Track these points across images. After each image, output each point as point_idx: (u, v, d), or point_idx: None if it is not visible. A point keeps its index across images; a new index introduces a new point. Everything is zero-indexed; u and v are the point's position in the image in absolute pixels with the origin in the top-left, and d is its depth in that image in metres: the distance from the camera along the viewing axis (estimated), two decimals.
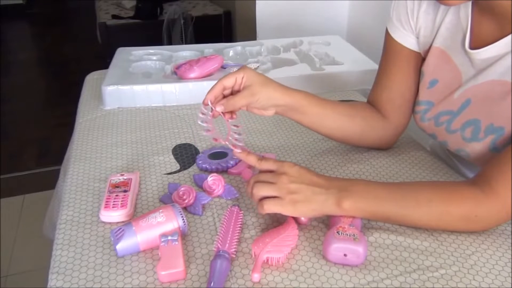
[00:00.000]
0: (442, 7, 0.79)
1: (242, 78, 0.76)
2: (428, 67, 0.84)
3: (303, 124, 0.87)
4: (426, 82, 0.84)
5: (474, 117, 0.77)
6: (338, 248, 0.64)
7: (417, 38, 0.84)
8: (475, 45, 0.75)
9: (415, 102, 0.88)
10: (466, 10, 0.75)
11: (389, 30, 0.87)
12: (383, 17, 2.06)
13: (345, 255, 0.64)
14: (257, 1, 2.21)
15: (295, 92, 0.81)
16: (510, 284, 0.63)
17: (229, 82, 0.76)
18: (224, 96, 0.78)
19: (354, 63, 1.29)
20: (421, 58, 0.86)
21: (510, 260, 0.67)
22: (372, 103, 0.92)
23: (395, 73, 0.87)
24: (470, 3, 0.75)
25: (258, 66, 1.24)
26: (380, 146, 0.94)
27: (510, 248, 0.69)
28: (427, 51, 0.84)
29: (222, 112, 0.77)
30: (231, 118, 0.78)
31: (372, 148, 0.94)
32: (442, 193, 0.68)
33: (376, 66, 1.24)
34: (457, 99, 0.79)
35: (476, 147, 0.77)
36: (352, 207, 0.67)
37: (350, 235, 0.64)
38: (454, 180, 0.85)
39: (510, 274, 0.64)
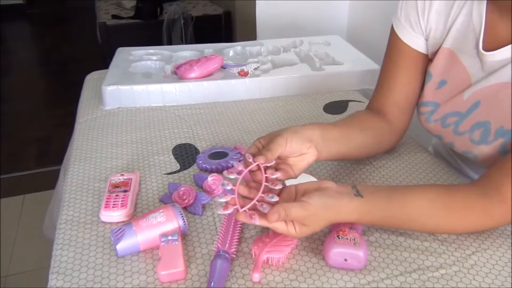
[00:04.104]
0: (455, 7, 0.78)
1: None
2: (437, 68, 0.82)
3: (338, 154, 0.80)
4: (435, 83, 0.83)
5: (483, 119, 0.76)
6: (338, 253, 0.63)
7: (427, 39, 0.83)
8: (487, 47, 0.74)
9: (419, 103, 0.87)
10: (480, 12, 0.74)
11: (397, 31, 0.85)
12: (383, 17, 2.07)
13: (345, 259, 0.64)
14: (257, 1, 2.21)
15: (311, 124, 0.77)
16: (510, 284, 0.63)
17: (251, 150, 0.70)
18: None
19: (354, 63, 1.29)
20: (427, 60, 0.85)
21: (510, 260, 0.67)
22: (376, 108, 0.89)
23: (402, 75, 0.86)
24: (484, 4, 0.74)
25: (258, 66, 1.24)
26: (385, 151, 0.93)
27: (510, 248, 0.69)
28: (436, 52, 0.82)
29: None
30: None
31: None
32: (452, 208, 0.67)
33: (376, 66, 1.25)
34: (466, 100, 0.78)
35: (485, 150, 0.77)
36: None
37: (350, 239, 0.64)
38: (461, 185, 0.78)
39: (510, 274, 0.64)
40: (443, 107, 0.82)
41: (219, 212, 0.63)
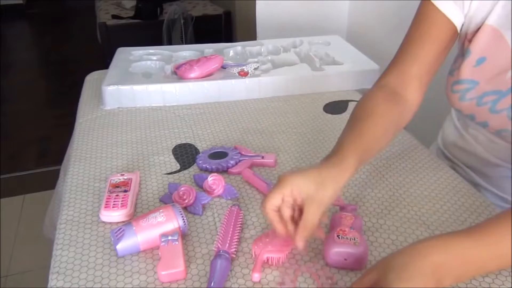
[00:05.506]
0: None
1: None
2: (477, 45, 0.79)
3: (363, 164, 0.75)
4: (473, 60, 0.80)
5: None
6: (338, 252, 0.64)
7: (465, 17, 0.79)
8: None
9: (453, 81, 0.83)
10: None
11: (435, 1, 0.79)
12: (383, 17, 2.07)
13: (345, 259, 0.64)
14: (257, 1, 2.21)
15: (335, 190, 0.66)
16: (510, 284, 0.63)
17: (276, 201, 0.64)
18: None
19: (354, 63, 1.29)
20: (455, 39, 0.81)
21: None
22: (392, 84, 0.82)
23: (430, 45, 0.80)
24: None
25: (258, 66, 1.24)
26: (400, 131, 0.88)
27: None
28: (477, 29, 0.78)
29: None
30: None
31: None
32: None
33: (376, 66, 1.25)
34: (508, 79, 0.76)
35: None
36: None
37: (350, 239, 0.64)
38: None
39: (510, 274, 0.64)
40: (482, 86, 0.79)
41: None
